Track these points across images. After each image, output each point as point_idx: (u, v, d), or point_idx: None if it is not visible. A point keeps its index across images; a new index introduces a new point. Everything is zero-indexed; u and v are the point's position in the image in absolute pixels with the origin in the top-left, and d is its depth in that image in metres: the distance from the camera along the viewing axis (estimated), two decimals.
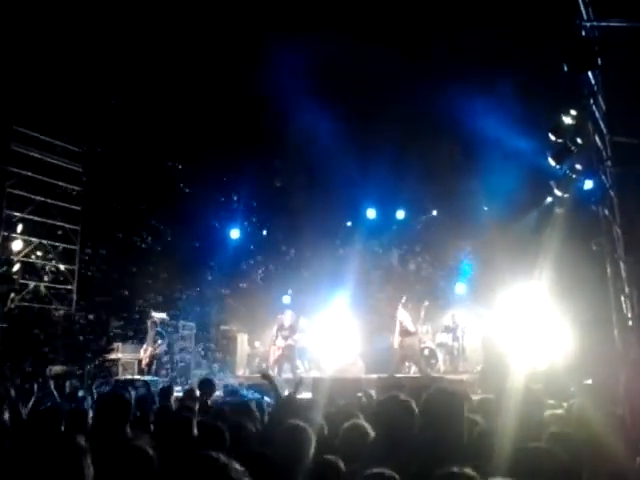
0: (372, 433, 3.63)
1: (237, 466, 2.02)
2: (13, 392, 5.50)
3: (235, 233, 18.23)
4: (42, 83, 13.11)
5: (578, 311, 10.77)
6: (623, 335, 8.80)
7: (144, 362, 13.25)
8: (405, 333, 12.85)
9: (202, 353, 15.51)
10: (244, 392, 8.95)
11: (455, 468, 2.50)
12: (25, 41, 12.26)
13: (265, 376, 6.84)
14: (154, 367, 13.33)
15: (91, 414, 6.20)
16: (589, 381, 7.66)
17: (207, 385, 7.37)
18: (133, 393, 7.74)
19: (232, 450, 3.70)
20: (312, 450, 3.42)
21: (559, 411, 4.39)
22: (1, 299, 13.42)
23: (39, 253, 14.82)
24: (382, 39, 12.48)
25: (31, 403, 6.25)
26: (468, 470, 2.34)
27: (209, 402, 7.05)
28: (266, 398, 7.75)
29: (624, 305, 8.96)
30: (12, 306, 13.57)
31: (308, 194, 16.68)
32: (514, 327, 12.20)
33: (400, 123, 13.88)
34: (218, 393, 8.57)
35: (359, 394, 7.35)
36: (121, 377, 12.82)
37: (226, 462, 2.00)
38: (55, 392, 6.82)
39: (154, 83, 13.75)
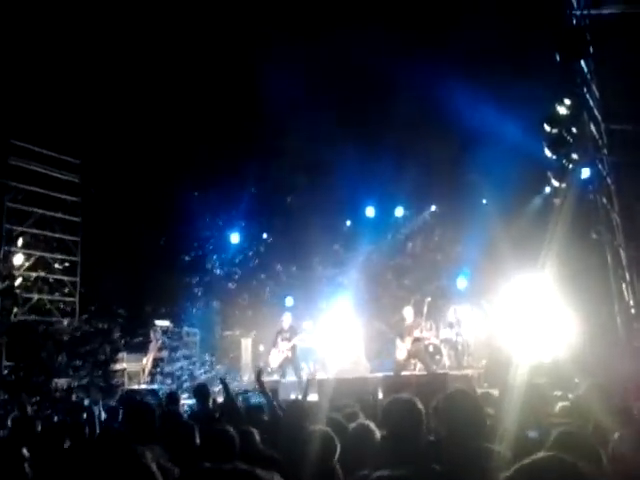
0: (378, 433, 3.63)
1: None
2: (30, 408, 5.55)
3: (235, 237, 18.24)
4: (39, 96, 13.11)
5: (581, 301, 10.75)
6: (626, 323, 8.81)
7: (147, 370, 13.26)
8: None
9: (207, 359, 15.50)
10: (252, 397, 8.94)
11: None
12: (21, 55, 12.28)
13: (258, 380, 6.73)
14: (157, 373, 13.35)
15: (98, 425, 6.26)
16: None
17: (202, 392, 7.39)
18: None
19: (242, 454, 3.73)
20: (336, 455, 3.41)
21: (566, 403, 4.39)
22: (4, 314, 13.44)
23: (40, 266, 14.83)
24: (376, 37, 12.50)
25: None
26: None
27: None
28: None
29: (625, 293, 8.97)
30: (15, 320, 13.58)
31: (307, 195, 16.68)
32: (518, 320, 12.18)
33: (396, 119, 13.86)
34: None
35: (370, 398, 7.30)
36: (128, 387, 12.83)
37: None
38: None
39: (151, 90, 13.76)
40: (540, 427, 3.30)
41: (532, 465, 1.80)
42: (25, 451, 3.57)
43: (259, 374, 6.72)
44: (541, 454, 1.83)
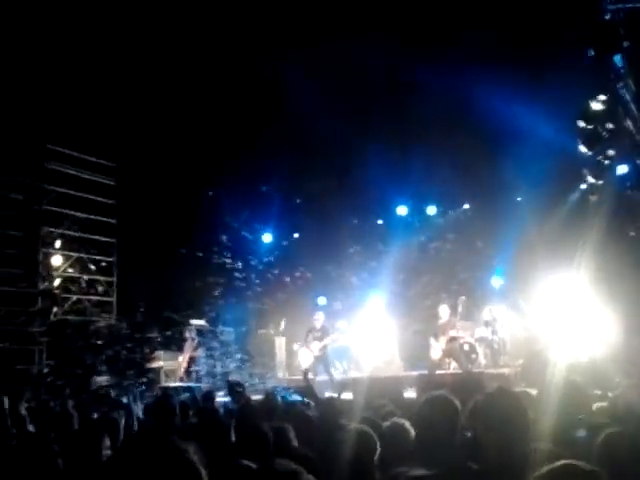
0: (412, 431, 3.62)
1: None
2: (71, 407, 5.66)
3: (267, 237, 18.34)
4: (75, 102, 13.39)
5: (619, 300, 10.55)
6: None
7: (182, 368, 13.44)
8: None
9: (241, 358, 15.61)
10: (288, 395, 9.00)
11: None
12: (57, 60, 12.56)
13: (305, 379, 6.87)
14: (193, 371, 13.53)
15: (136, 422, 6.38)
16: None
17: (236, 389, 7.49)
18: (177, 399, 7.91)
19: (276, 452, 3.76)
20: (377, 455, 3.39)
21: (603, 404, 4.32)
22: (44, 314, 13.78)
23: (78, 267, 15.15)
24: (405, 32, 12.44)
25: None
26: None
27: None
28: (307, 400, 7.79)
29: None
30: (54, 320, 13.92)
31: (338, 194, 16.68)
32: (555, 319, 12.01)
33: (428, 117, 13.79)
34: (259, 397, 8.63)
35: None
36: (164, 384, 13.02)
37: None
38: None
39: (181, 94, 13.94)
40: (587, 426, 3.25)
41: (549, 474, 1.78)
42: (56, 447, 3.64)
43: (306, 374, 6.83)
44: (560, 462, 1.81)
